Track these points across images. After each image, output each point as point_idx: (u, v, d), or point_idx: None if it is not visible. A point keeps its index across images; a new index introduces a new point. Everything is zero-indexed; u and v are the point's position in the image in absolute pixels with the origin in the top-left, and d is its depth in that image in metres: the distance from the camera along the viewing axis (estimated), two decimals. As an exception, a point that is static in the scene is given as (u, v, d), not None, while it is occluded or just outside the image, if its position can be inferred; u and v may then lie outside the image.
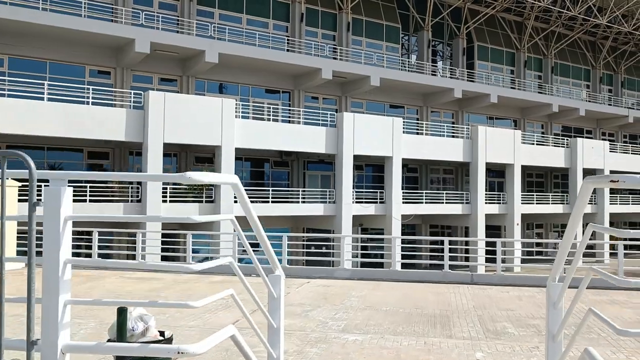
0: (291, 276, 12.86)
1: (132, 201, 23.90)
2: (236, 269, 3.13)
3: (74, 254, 17.44)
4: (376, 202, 30.36)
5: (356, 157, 29.47)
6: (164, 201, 23.90)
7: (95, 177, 2.90)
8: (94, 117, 22.03)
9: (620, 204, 42.74)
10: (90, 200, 22.40)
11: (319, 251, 27.49)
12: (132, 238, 19.42)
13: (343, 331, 7.25)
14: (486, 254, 29.42)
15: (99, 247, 15.90)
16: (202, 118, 24.53)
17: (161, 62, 27.70)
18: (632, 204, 43.55)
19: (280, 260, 13.53)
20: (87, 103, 23.02)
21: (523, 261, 34.27)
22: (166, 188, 24.23)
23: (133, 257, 17.65)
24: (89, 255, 16.59)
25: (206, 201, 25.29)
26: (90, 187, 22.71)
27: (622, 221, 47.70)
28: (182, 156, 28.63)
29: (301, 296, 10.06)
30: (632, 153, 43.65)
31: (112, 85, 26.54)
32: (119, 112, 23.01)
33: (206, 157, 28.20)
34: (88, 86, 24.01)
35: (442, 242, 12.70)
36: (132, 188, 24.19)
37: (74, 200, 17.43)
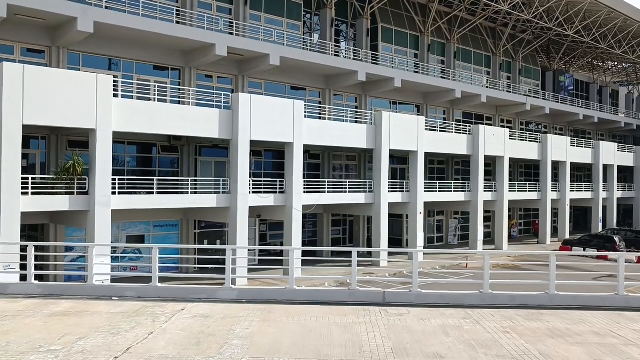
0: (163, 298, 10.26)
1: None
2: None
3: None
4: (276, 192, 27.98)
5: (254, 143, 26.90)
6: (25, 193, 20.23)
7: None
8: None
9: (518, 191, 43.21)
10: None
11: (211, 248, 24.82)
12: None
13: None
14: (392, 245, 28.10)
15: None
16: (73, 96, 20.91)
17: (24, 30, 23.63)
18: (528, 191, 44.20)
19: (150, 279, 10.80)
20: None
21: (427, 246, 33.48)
22: (27, 177, 20.55)
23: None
24: None
25: (78, 193, 21.83)
26: None
27: (518, 207, 48.55)
28: (52, 140, 24.82)
29: (167, 340, 7.52)
30: (529, 140, 44.13)
31: (-41, 55, 22.25)
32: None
33: (82, 141, 24.53)
34: None
35: (349, 252, 10.55)
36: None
37: None
